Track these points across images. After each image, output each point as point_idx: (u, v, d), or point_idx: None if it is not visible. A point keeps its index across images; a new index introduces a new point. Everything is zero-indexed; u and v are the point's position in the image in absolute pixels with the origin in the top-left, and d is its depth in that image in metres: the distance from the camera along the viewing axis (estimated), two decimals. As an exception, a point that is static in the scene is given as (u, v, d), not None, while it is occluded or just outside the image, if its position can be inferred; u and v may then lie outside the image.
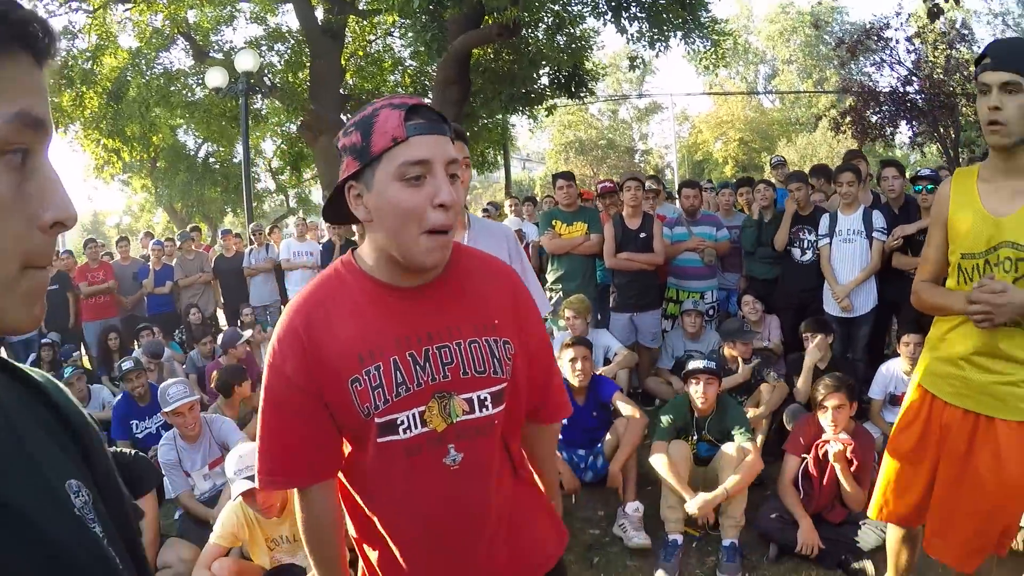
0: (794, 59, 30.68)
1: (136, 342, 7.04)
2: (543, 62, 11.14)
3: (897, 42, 12.75)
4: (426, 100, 1.18)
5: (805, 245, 5.21)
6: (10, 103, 0.56)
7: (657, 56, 9.87)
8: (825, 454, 3.24)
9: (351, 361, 1.19)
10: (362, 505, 1.30)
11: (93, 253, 8.02)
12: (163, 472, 3.80)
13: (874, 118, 12.39)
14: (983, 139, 1.99)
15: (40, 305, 0.61)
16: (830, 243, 4.93)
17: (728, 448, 3.44)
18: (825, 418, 3.27)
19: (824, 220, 5.01)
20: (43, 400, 0.71)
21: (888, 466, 2.28)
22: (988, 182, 1.99)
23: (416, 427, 1.21)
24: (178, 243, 8.57)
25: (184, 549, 3.27)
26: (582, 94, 11.84)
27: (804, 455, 3.32)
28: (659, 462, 3.41)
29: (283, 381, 1.22)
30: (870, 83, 12.74)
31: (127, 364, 5.01)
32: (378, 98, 1.18)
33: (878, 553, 3.05)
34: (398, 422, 1.20)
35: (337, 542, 1.33)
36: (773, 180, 7.11)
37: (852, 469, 3.20)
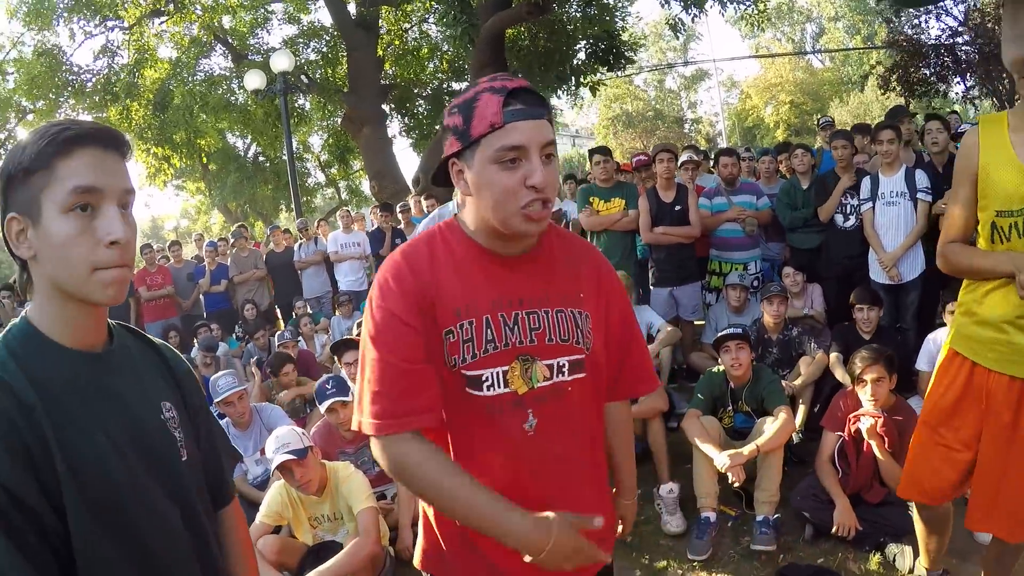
0: (841, 15, 29.46)
1: (195, 339, 7.35)
2: (579, 37, 11.02)
3: (946, -6, 12.09)
4: (525, 82, 1.23)
5: (848, 210, 5.02)
6: (68, 181, 0.99)
7: (693, 20, 9.64)
8: (858, 430, 3.13)
9: (448, 313, 1.25)
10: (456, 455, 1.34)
11: (151, 258, 8.40)
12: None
13: (923, 72, 11.81)
14: None
15: (113, 289, 1.03)
16: (873, 207, 4.75)
17: (765, 423, 3.39)
18: (864, 392, 3.15)
19: (865, 183, 4.82)
20: (159, 355, 1.21)
21: (921, 441, 2.15)
22: (1020, 132, 1.82)
23: (499, 386, 1.27)
24: (231, 241, 8.87)
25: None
26: (621, 64, 11.67)
27: (841, 432, 3.23)
28: (691, 427, 3.41)
29: (394, 320, 1.24)
30: (916, 37, 12.12)
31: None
32: (483, 79, 1.24)
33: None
34: (483, 378, 1.26)
35: (451, 467, 1.23)
36: (820, 142, 6.88)
37: (888, 445, 3.08)
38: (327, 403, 3.57)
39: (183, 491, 1.12)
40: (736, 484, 3.21)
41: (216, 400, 4.03)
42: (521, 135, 1.18)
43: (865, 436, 3.11)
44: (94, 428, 0.99)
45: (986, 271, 1.91)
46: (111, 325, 1.12)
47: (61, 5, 12.44)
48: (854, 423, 3.16)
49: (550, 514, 1.18)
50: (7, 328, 1.04)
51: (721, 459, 3.20)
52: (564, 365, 1.31)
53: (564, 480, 1.34)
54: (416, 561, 1.44)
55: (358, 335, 4.85)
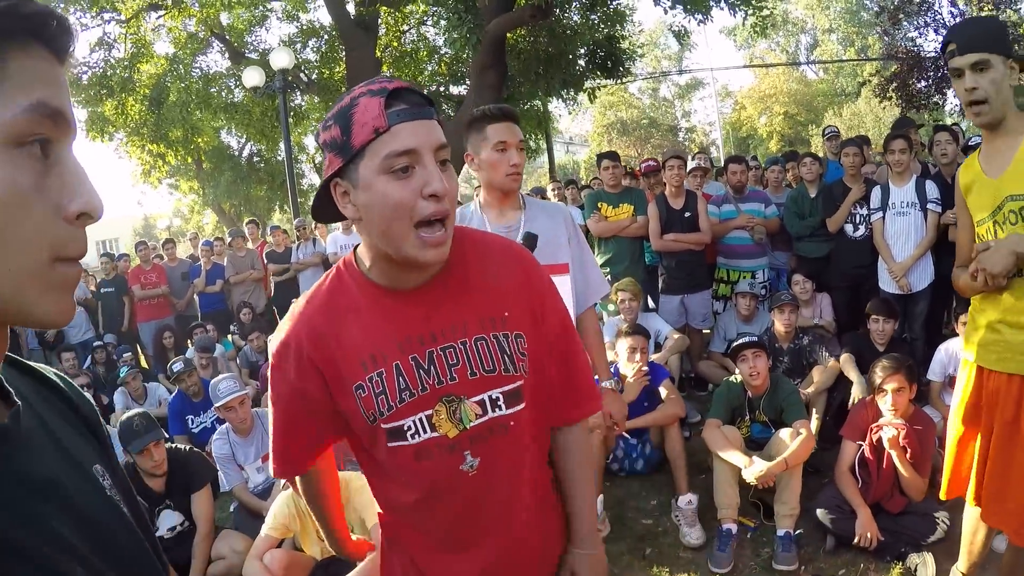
0: (835, 27, 29.66)
1: (190, 340, 7.23)
2: (579, 43, 10.99)
3: (941, 5, 12.20)
4: (406, 82, 1.10)
5: (857, 220, 5.00)
6: (27, 94, 0.56)
7: (699, 25, 9.61)
8: (880, 440, 3.10)
9: (355, 368, 1.15)
10: (387, 505, 1.29)
11: (145, 255, 8.28)
12: (217, 466, 3.89)
13: (920, 85, 11.89)
14: None
15: (69, 300, 0.60)
16: (883, 217, 4.72)
17: (783, 434, 3.34)
18: (884, 402, 3.12)
19: (875, 193, 4.79)
20: (58, 395, 0.74)
21: (951, 444, 2.28)
22: (985, 154, 2.11)
23: (424, 431, 1.15)
24: (228, 241, 8.75)
25: (237, 541, 3.34)
26: (619, 73, 11.64)
27: (861, 441, 3.18)
28: (712, 436, 3.35)
29: (282, 384, 1.21)
30: (914, 49, 12.21)
31: (178, 366, 5.14)
32: (357, 86, 1.10)
33: (938, 545, 2.95)
34: (404, 427, 1.15)
35: (333, 503, 1.49)
36: (823, 152, 6.87)
37: (908, 455, 3.04)
38: None
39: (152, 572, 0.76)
40: (761, 487, 3.17)
41: (217, 405, 3.92)
42: (411, 137, 1.03)
43: (887, 446, 3.07)
44: (40, 542, 0.58)
45: (971, 287, 2.11)
46: None
47: (59, -6, 12.28)
48: (876, 433, 3.12)
49: None
50: None
51: (754, 469, 3.15)
52: (498, 398, 1.18)
53: (508, 520, 1.24)
54: None
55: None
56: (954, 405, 2.29)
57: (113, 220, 35.16)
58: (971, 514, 2.37)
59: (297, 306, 1.22)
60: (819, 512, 3.16)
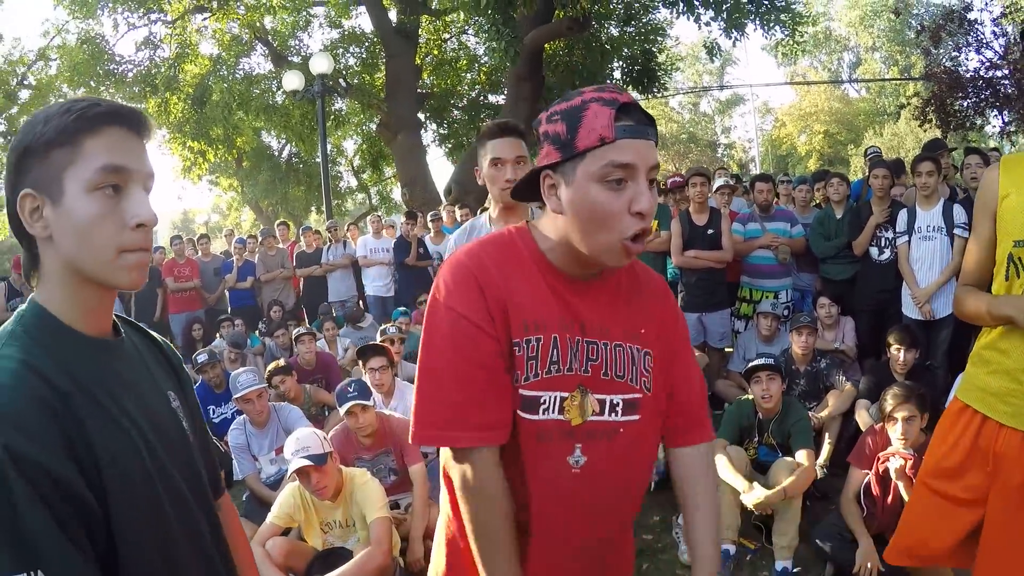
0: (878, 46, 29.18)
1: (218, 333, 7.41)
2: (615, 56, 11.02)
3: (983, 24, 11.88)
4: (633, 98, 1.14)
5: (883, 243, 4.93)
6: (98, 159, 0.95)
7: (735, 45, 9.59)
8: (887, 470, 3.04)
9: (517, 324, 1.16)
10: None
11: (179, 249, 8.51)
12: (232, 455, 4.00)
13: (958, 106, 11.58)
14: None
15: (136, 273, 1.00)
16: (908, 241, 4.66)
17: (785, 463, 3.33)
18: (894, 431, 3.06)
19: (902, 216, 4.72)
20: (158, 347, 1.20)
21: (919, 498, 1.97)
22: None
23: (553, 411, 1.18)
24: (260, 239, 8.96)
25: (246, 529, 3.41)
26: (655, 88, 11.63)
27: (868, 470, 3.14)
28: (717, 458, 3.34)
29: (463, 322, 1.14)
30: (954, 69, 11.90)
31: (202, 357, 5.28)
32: (587, 87, 1.15)
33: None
34: (541, 400, 1.17)
35: (509, 525, 1.17)
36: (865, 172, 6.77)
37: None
38: (346, 406, 3.50)
39: (198, 480, 1.12)
40: (759, 513, 3.14)
41: (235, 396, 4.04)
42: (632, 153, 1.07)
43: (893, 476, 3.01)
44: (123, 418, 0.97)
45: (982, 315, 1.80)
46: (113, 316, 1.08)
47: (107, -4, 12.73)
48: (883, 462, 3.07)
49: None
50: (19, 314, 0.98)
51: (752, 496, 3.14)
52: (618, 404, 1.22)
53: (600, 529, 1.25)
54: None
55: (383, 342, 4.84)
56: (932, 451, 1.96)
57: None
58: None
59: (467, 246, 1.23)
60: (818, 540, 3.12)
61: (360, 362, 4.39)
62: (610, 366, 1.21)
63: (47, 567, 0.81)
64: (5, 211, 1.02)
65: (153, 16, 13.19)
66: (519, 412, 1.16)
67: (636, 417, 1.23)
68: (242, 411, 4.13)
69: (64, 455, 0.87)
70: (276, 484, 3.90)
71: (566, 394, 1.18)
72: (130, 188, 0.97)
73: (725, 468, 3.28)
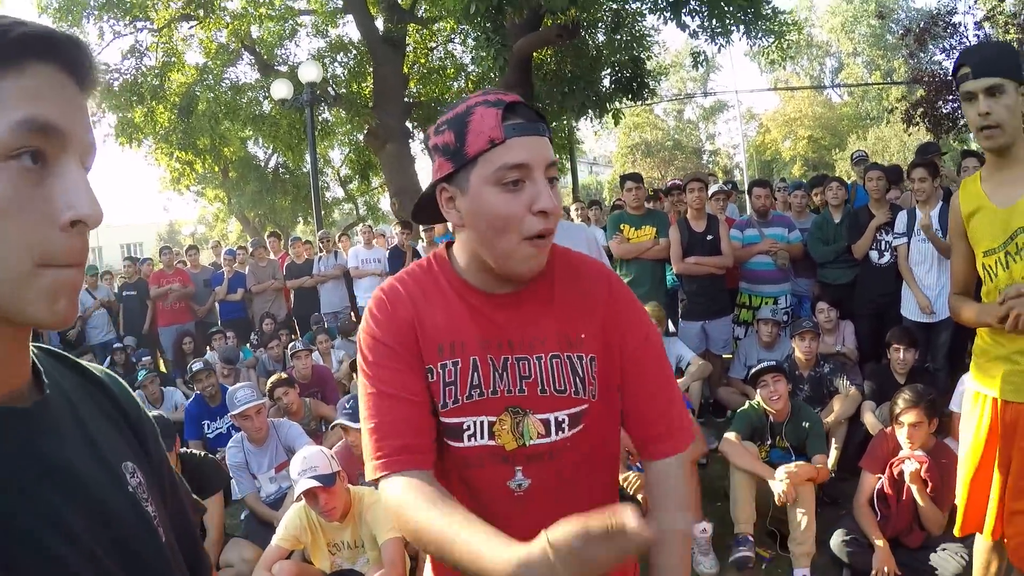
0: (860, 51, 29.54)
1: (209, 346, 7.29)
2: (604, 64, 11.02)
3: (966, 27, 12.03)
4: (520, 98, 1.10)
5: (883, 247, 4.94)
6: (14, 110, 0.59)
7: (719, 51, 9.60)
8: (901, 473, 3.03)
9: (430, 349, 1.13)
10: None
11: (168, 261, 8.39)
12: (230, 473, 3.90)
13: (946, 109, 11.70)
14: None
15: (65, 302, 0.63)
16: (908, 242, 4.67)
17: (801, 463, 3.30)
18: (901, 434, 3.07)
19: (901, 218, 4.74)
20: (104, 392, 0.78)
21: (964, 479, 2.24)
22: (990, 181, 2.08)
23: (481, 437, 1.13)
24: (250, 250, 8.86)
25: (246, 549, 3.33)
26: (644, 95, 11.65)
27: (881, 474, 3.13)
28: (732, 449, 3.36)
29: (383, 348, 1.13)
30: (941, 72, 12.03)
31: (197, 365, 5.19)
32: (471, 94, 1.11)
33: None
34: (464, 427, 1.13)
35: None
36: (853, 176, 6.81)
37: (929, 489, 2.98)
38: (334, 423, 3.47)
39: None
40: (781, 502, 3.15)
41: (233, 413, 3.95)
42: (525, 152, 1.04)
43: (907, 480, 3.00)
44: (50, 534, 0.60)
45: (973, 323, 2.14)
46: (35, 357, 0.70)
47: (92, 3, 12.54)
48: (897, 466, 3.05)
49: (547, 544, 0.80)
50: None
51: (779, 478, 3.15)
52: (563, 420, 1.14)
53: None
54: None
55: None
56: (966, 440, 2.23)
57: (138, 225, 35.82)
58: (982, 547, 2.31)
59: (384, 283, 1.22)
60: (834, 545, 3.10)
61: (354, 374, 4.32)
62: (547, 381, 1.14)
63: None
64: None
65: (139, 24, 13.05)
66: (445, 440, 1.13)
67: (580, 428, 1.16)
68: (239, 427, 4.04)
69: None
70: (277, 503, 3.81)
71: (493, 418, 1.13)
72: (62, 161, 0.62)
73: (745, 458, 3.30)
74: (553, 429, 1.14)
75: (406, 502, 1.03)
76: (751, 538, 3.20)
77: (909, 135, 13.37)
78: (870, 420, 3.93)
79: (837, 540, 3.10)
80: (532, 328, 1.16)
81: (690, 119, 34.88)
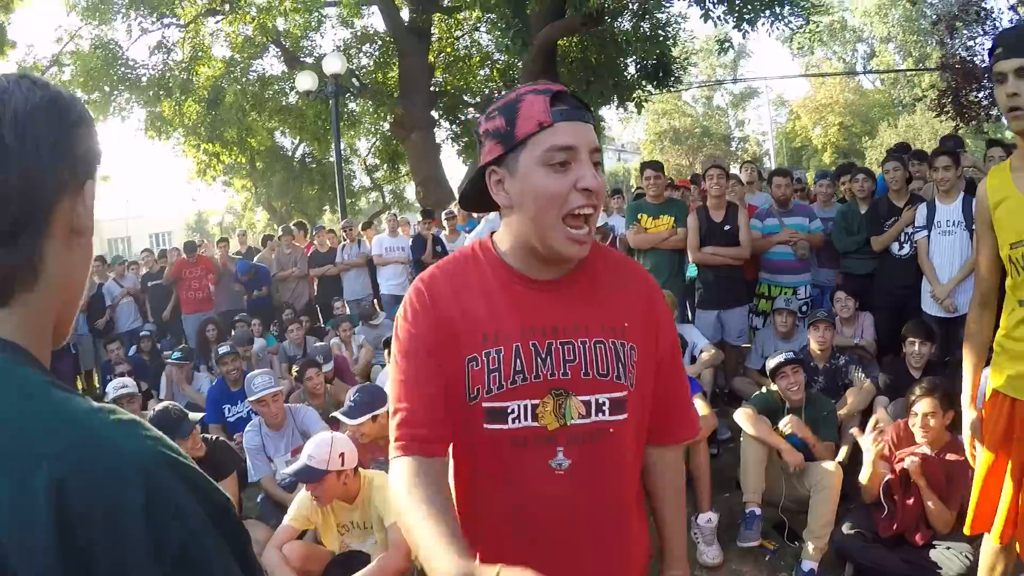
0: (893, 36, 28.78)
1: (232, 333, 7.43)
2: (629, 51, 10.94)
3: (1001, 12, 11.69)
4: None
5: (903, 238, 4.86)
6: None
7: (745, 37, 9.44)
8: (904, 470, 2.99)
9: (473, 338, 1.18)
10: (462, 494, 1.26)
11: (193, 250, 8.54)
12: (246, 456, 4.00)
13: (973, 97, 11.38)
14: None
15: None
16: (928, 236, 4.58)
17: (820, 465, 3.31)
18: (915, 425, 3.03)
19: (921, 210, 4.65)
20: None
21: (978, 476, 2.22)
22: (1020, 169, 2.00)
23: (525, 419, 1.17)
24: (278, 236, 8.99)
25: (259, 530, 3.40)
26: (669, 83, 11.53)
27: (890, 467, 3.08)
28: (744, 416, 3.41)
29: (414, 341, 1.20)
30: (970, 59, 11.69)
31: (224, 348, 5.40)
32: (522, 85, 1.18)
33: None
34: (508, 410, 1.17)
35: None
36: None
37: (933, 486, 2.93)
38: (332, 415, 3.66)
39: None
40: (793, 469, 3.23)
41: (250, 399, 4.05)
42: (571, 135, 1.11)
43: (911, 475, 2.96)
44: None
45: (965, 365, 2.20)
46: None
47: (119, 1, 12.77)
48: (899, 460, 3.02)
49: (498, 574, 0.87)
50: None
51: (783, 423, 3.29)
52: (604, 403, 1.20)
53: (593, 532, 1.23)
54: None
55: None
56: (983, 437, 2.22)
57: (167, 215, 36.44)
58: (989, 548, 2.29)
59: (426, 271, 1.28)
60: (839, 539, 3.08)
61: (387, 352, 4.45)
62: (591, 364, 1.19)
63: None
64: None
65: (166, 20, 13.26)
66: (486, 426, 1.18)
67: (624, 416, 1.22)
68: (256, 412, 4.13)
69: None
70: (292, 485, 3.88)
71: (536, 401, 1.18)
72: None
73: (759, 426, 3.34)
74: (594, 410, 1.19)
75: (398, 485, 1.12)
76: (758, 512, 3.21)
77: (941, 123, 13.02)
78: (881, 415, 3.88)
79: (842, 534, 3.08)
80: (576, 314, 1.21)
81: (719, 106, 34.45)
